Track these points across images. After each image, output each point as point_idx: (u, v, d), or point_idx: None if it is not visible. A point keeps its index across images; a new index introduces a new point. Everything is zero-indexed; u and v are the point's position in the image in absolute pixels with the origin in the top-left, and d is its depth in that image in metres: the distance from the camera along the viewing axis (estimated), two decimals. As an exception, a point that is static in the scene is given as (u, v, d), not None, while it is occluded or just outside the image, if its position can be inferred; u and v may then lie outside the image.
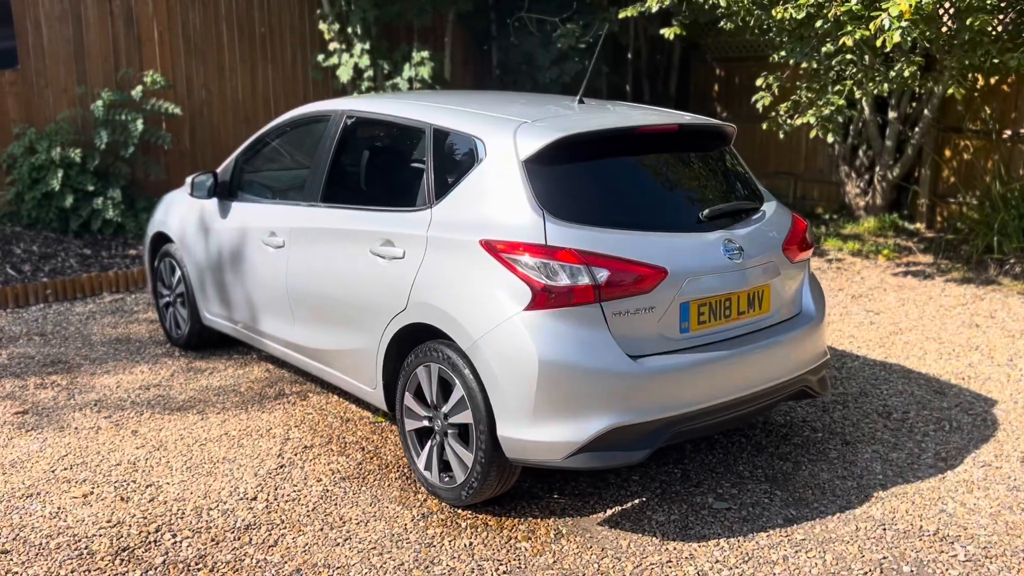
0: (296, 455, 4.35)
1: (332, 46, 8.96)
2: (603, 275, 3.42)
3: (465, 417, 3.67)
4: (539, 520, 3.78)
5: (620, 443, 3.47)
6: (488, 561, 3.47)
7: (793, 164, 10.88)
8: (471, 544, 3.59)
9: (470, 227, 3.67)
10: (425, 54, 8.63)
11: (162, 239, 5.93)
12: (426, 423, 3.90)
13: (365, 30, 8.77)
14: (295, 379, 5.38)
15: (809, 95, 7.00)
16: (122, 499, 3.90)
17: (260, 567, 3.40)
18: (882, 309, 7.01)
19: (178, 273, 5.76)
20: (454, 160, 3.91)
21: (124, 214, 7.87)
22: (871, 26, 5.73)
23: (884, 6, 5.65)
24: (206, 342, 5.85)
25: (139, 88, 7.99)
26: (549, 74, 8.96)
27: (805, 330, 4.07)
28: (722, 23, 7.15)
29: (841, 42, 6.03)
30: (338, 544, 3.57)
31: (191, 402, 5.03)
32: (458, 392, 3.68)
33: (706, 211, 3.78)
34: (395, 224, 4.01)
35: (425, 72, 8.60)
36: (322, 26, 8.90)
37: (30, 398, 5.06)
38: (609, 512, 3.87)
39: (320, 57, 9.05)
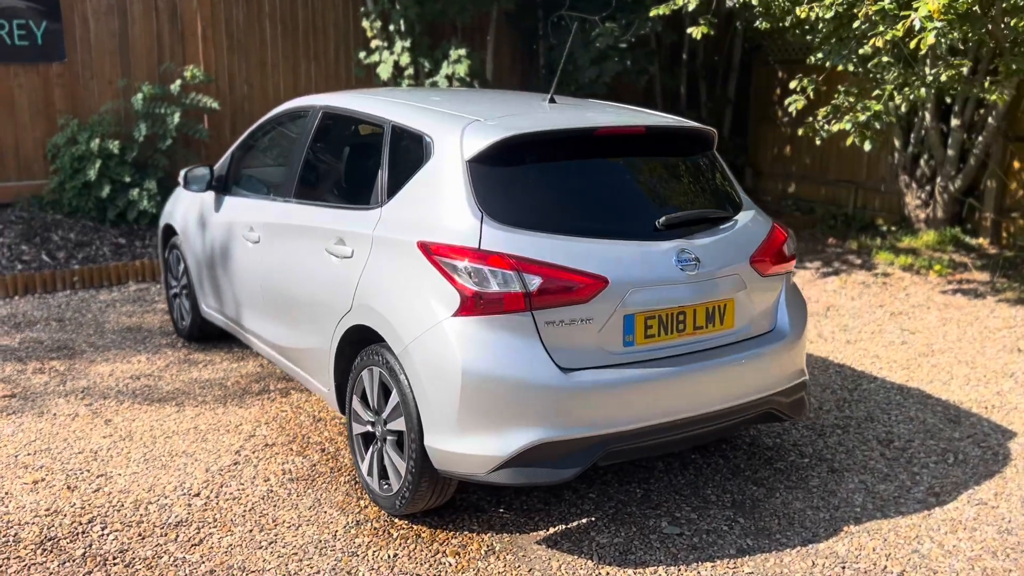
0: (254, 453, 4.31)
1: (374, 43, 8.97)
2: (535, 282, 3.25)
3: (400, 424, 3.55)
4: (475, 534, 3.63)
5: (547, 459, 3.29)
6: (406, 575, 3.34)
7: (855, 172, 10.39)
8: (395, 555, 3.47)
9: (411, 227, 3.55)
10: (462, 52, 8.54)
11: (171, 231, 6.00)
12: (370, 428, 3.80)
13: (408, 27, 8.74)
14: (284, 375, 5.36)
15: (849, 99, 6.63)
16: (68, 488, 3.92)
17: (176, 565, 3.36)
18: (920, 328, 6.59)
19: (182, 265, 5.82)
20: (406, 158, 3.80)
21: (159, 205, 8.02)
22: (899, 26, 5.37)
23: (915, 5, 5.28)
24: (209, 334, 5.88)
25: (178, 82, 8.15)
26: (588, 74, 8.75)
27: (775, 349, 3.80)
28: (758, 23, 6.84)
29: (871, 43, 5.67)
30: (261, 547, 3.50)
31: (174, 394, 5.06)
32: (394, 398, 3.57)
33: (662, 219, 3.57)
34: (348, 222, 3.93)
35: (462, 70, 8.51)
36: (365, 23, 8.91)
37: (24, 382, 5.17)
38: (551, 530, 3.69)
39: (362, 54, 9.07)
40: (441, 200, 3.50)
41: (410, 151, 3.78)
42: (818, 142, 6.89)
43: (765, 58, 11.09)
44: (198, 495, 3.89)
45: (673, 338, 3.54)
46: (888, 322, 6.77)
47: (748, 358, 3.69)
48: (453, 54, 8.58)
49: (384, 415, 3.66)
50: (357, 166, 4.21)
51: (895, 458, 4.47)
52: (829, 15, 5.78)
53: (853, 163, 10.36)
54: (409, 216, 3.62)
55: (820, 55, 6.66)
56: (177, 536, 3.56)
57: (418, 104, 4.03)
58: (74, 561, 3.37)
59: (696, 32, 6.61)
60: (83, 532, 3.56)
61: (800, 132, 6.95)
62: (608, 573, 3.41)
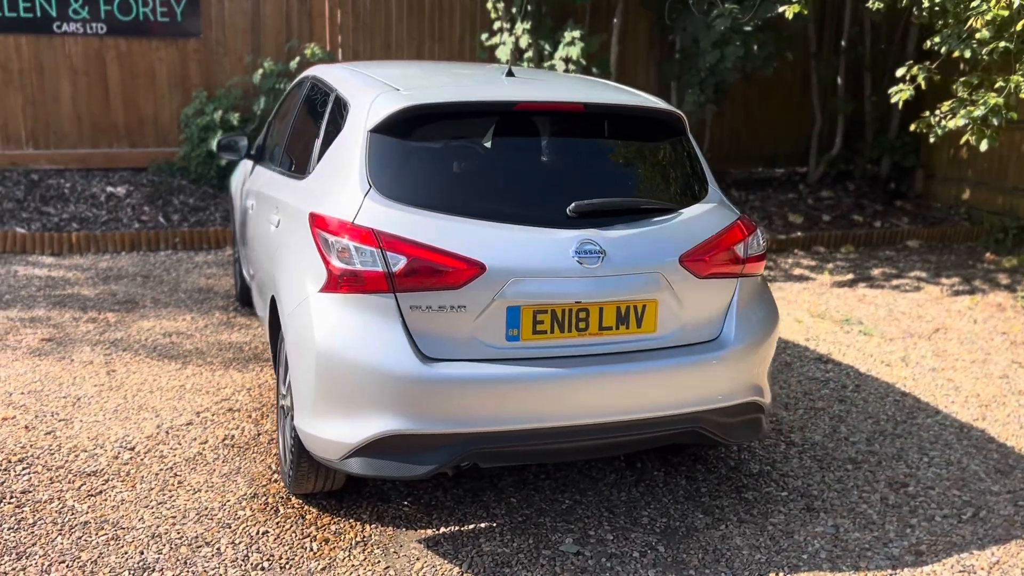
0: (214, 416, 4.37)
1: (496, 25, 8.87)
2: (400, 263, 3.03)
3: (289, 400, 3.46)
4: (359, 523, 3.47)
5: (400, 452, 3.07)
6: (259, 553, 3.25)
7: (1036, 180, 9.07)
8: (264, 533, 3.38)
9: (314, 198, 3.44)
10: (576, 34, 8.25)
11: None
12: (284, 401, 3.73)
13: (535, 8, 8.58)
14: (299, 345, 5.41)
15: (967, 91, 5.76)
16: (26, 428, 4.15)
17: (59, 512, 3.46)
18: (1036, 362, 5.63)
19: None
20: (335, 127, 3.67)
21: (273, 176, 8.38)
22: (993, 3, 4.56)
23: (1013, -23, 4.48)
24: (258, 300, 6.06)
25: (297, 59, 8.46)
26: (708, 59, 8.16)
27: (712, 360, 3.34)
28: (870, 3, 6.06)
29: (970, 23, 4.87)
30: (148, 507, 3.53)
31: (190, 353, 5.24)
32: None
33: (571, 206, 3.21)
34: (284, 191, 3.89)
35: (574, 52, 8.22)
36: (488, 4, 8.83)
37: (70, 329, 5.56)
38: (442, 530, 3.46)
39: (484, 36, 9.00)
40: (341, 171, 3.36)
41: (338, 120, 3.65)
42: (932, 140, 6.03)
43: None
44: (132, 449, 4.00)
45: (572, 337, 3.19)
46: (1002, 352, 5.83)
47: (670, 367, 3.26)
48: (567, 35, 8.32)
49: (283, 390, 3.59)
50: (309, 136, 4.15)
51: (897, 505, 3.82)
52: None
53: (1035, 169, 9.05)
54: (318, 186, 3.50)
55: (937, 39, 5.82)
56: (81, 485, 3.66)
57: (369, 75, 3.89)
58: (-23, 495, 3.56)
59: (789, 12, 5.96)
60: (4, 470, 3.75)
61: (912, 127, 6.12)
62: (468, 584, 3.14)
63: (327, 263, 3.12)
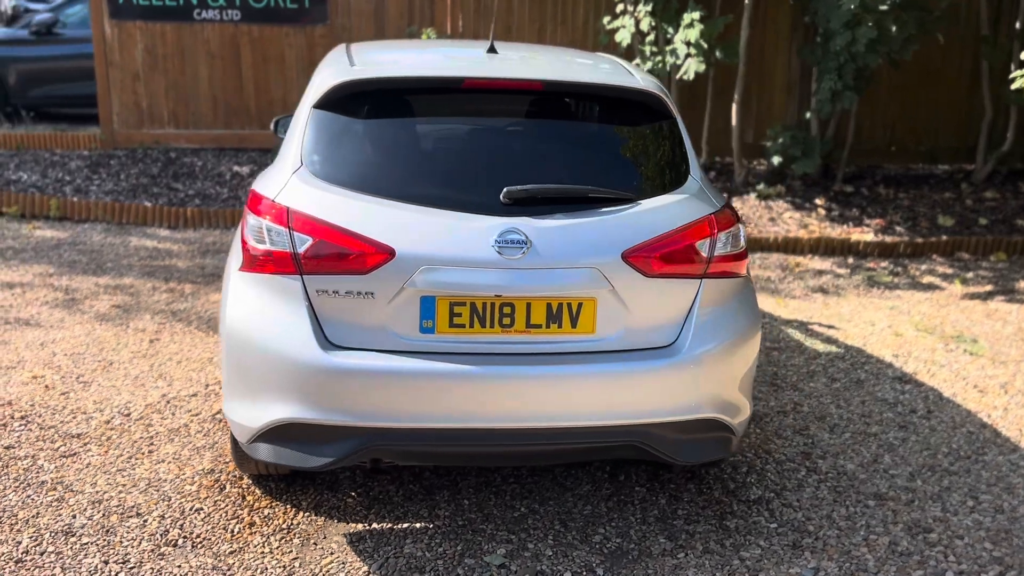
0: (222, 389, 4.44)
1: (619, 8, 8.51)
2: (306, 244, 2.90)
3: (237, 379, 3.43)
4: (294, 510, 3.39)
5: (299, 441, 2.95)
6: (180, 530, 3.23)
7: None
8: (197, 510, 3.37)
9: (262, 176, 3.38)
10: (695, 16, 7.74)
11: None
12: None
13: (659, -10, 8.18)
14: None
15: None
16: (47, 387, 4.37)
17: (28, 470, 3.60)
18: None
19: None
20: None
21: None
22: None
23: None
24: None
25: (412, 43, 8.51)
26: (840, 40, 7.38)
27: (659, 368, 2.98)
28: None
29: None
30: (107, 472, 3.61)
31: (238, 327, 5.37)
32: (241, 352, 3.44)
33: (504, 192, 2.95)
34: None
35: (693, 35, 7.72)
36: (611, -14, 8.51)
37: (144, 297, 5.84)
38: (375, 526, 3.31)
39: (606, 19, 8.66)
40: (286, 149, 3.28)
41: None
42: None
43: None
44: (127, 416, 4.12)
45: (494, 333, 2.94)
46: None
47: (606, 373, 2.94)
48: (686, 18, 7.84)
49: (240, 368, 3.56)
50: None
51: (906, 553, 3.29)
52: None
53: None
54: (272, 164, 3.44)
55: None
56: (60, 446, 3.81)
57: (350, 51, 3.77)
58: (-33, 447, 3.78)
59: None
60: (3, 425, 3.97)
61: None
62: (369, 586, 2.98)
63: (243, 241, 3.05)
